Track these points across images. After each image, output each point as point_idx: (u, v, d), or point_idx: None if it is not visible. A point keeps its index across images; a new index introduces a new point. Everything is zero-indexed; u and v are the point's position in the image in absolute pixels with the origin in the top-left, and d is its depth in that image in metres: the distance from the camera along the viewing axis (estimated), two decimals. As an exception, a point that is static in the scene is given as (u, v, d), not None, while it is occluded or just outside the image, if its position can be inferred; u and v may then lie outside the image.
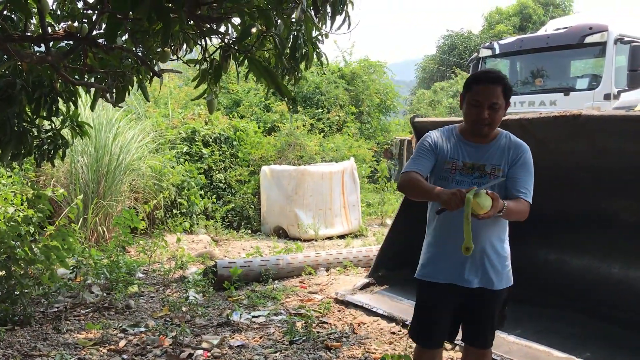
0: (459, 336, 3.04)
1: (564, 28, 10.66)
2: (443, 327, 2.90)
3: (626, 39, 9.54)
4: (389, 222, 7.63)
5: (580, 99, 9.66)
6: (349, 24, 3.67)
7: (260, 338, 4.45)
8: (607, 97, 9.56)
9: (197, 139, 10.02)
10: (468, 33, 31.84)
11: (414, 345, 3.07)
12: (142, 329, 4.58)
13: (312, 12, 3.16)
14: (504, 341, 4.01)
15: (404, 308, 4.76)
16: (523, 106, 10.51)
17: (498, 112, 2.71)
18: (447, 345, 3.98)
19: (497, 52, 11.26)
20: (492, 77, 2.72)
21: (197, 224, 8.95)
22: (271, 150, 10.58)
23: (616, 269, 4.59)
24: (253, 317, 4.94)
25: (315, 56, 3.89)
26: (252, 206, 9.69)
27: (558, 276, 4.87)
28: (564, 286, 4.77)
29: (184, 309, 5.04)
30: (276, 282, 6.07)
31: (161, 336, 4.33)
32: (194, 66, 3.38)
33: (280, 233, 9.04)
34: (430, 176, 2.88)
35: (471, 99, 2.73)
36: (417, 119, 5.20)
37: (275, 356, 4.06)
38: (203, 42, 3.32)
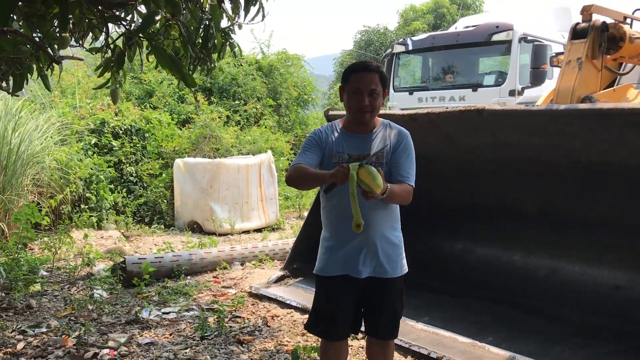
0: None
1: (473, 26, 11.05)
2: (344, 320, 2.91)
3: (529, 38, 10.02)
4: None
5: (487, 95, 10.07)
6: (263, 15, 3.63)
7: (171, 335, 4.34)
8: (512, 93, 10.04)
9: (106, 131, 9.61)
10: (384, 29, 32.42)
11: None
12: (44, 330, 4.35)
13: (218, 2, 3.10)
14: (413, 329, 4.12)
15: (318, 300, 4.79)
16: (434, 101, 10.84)
17: (377, 99, 2.80)
18: (359, 335, 4.03)
19: (410, 48, 11.53)
20: (368, 66, 2.82)
21: (107, 219, 8.60)
22: (185, 142, 10.33)
23: (517, 257, 4.82)
24: (163, 313, 4.81)
25: (228, 47, 3.82)
26: (165, 200, 9.43)
27: (464, 266, 5.05)
28: (470, 275, 4.95)
29: (89, 307, 4.83)
30: (189, 277, 5.94)
31: (64, 336, 4.13)
32: (95, 54, 3.23)
33: (195, 228, 8.85)
34: None
35: (351, 88, 2.80)
36: (330, 112, 5.22)
37: (186, 352, 3.97)
38: (106, 30, 3.19)
